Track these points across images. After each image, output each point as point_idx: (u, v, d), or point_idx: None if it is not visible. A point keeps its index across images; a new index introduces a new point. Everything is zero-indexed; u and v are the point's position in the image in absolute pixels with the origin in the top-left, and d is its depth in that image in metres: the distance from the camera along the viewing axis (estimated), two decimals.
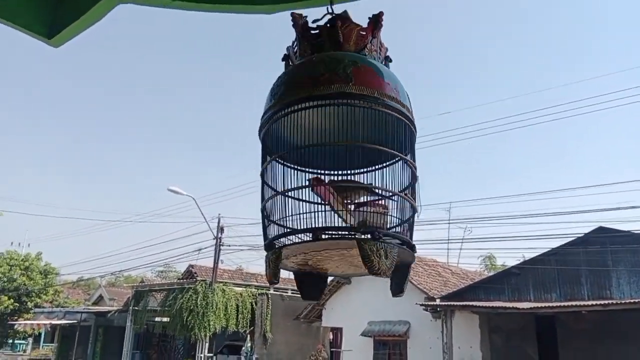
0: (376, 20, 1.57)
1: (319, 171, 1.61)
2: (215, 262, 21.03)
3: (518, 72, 74.99)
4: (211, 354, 20.77)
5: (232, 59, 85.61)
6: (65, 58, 76.77)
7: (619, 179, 61.70)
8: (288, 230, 1.49)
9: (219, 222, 21.19)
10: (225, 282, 21.47)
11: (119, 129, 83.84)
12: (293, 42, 1.63)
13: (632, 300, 12.59)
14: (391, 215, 1.52)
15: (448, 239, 23.95)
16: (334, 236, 1.46)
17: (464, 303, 14.99)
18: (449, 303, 15.23)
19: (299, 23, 1.58)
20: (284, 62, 1.65)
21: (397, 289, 1.55)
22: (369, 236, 1.39)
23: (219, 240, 20.96)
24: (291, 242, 1.48)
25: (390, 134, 1.49)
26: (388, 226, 1.51)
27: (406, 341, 16.79)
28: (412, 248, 1.51)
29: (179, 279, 26.14)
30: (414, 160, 1.57)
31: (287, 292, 21.88)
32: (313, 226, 1.46)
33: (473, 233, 29.10)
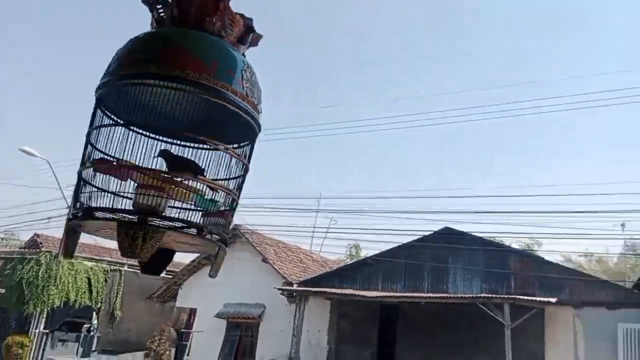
0: None
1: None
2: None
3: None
4: (47, 330, 19.12)
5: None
6: None
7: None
8: (78, 208, 1.53)
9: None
10: (75, 255, 19.87)
11: None
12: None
13: (463, 295, 13.99)
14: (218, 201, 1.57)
15: (314, 227, 24.54)
16: (107, 217, 1.50)
17: (317, 289, 15.52)
18: (304, 288, 15.67)
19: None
20: None
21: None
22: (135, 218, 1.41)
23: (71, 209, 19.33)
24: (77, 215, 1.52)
25: (191, 113, 1.48)
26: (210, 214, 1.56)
27: (259, 324, 16.97)
28: (200, 231, 1.50)
29: (21, 248, 23.65)
30: (246, 147, 1.60)
31: None
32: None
33: (339, 223, 30.10)
